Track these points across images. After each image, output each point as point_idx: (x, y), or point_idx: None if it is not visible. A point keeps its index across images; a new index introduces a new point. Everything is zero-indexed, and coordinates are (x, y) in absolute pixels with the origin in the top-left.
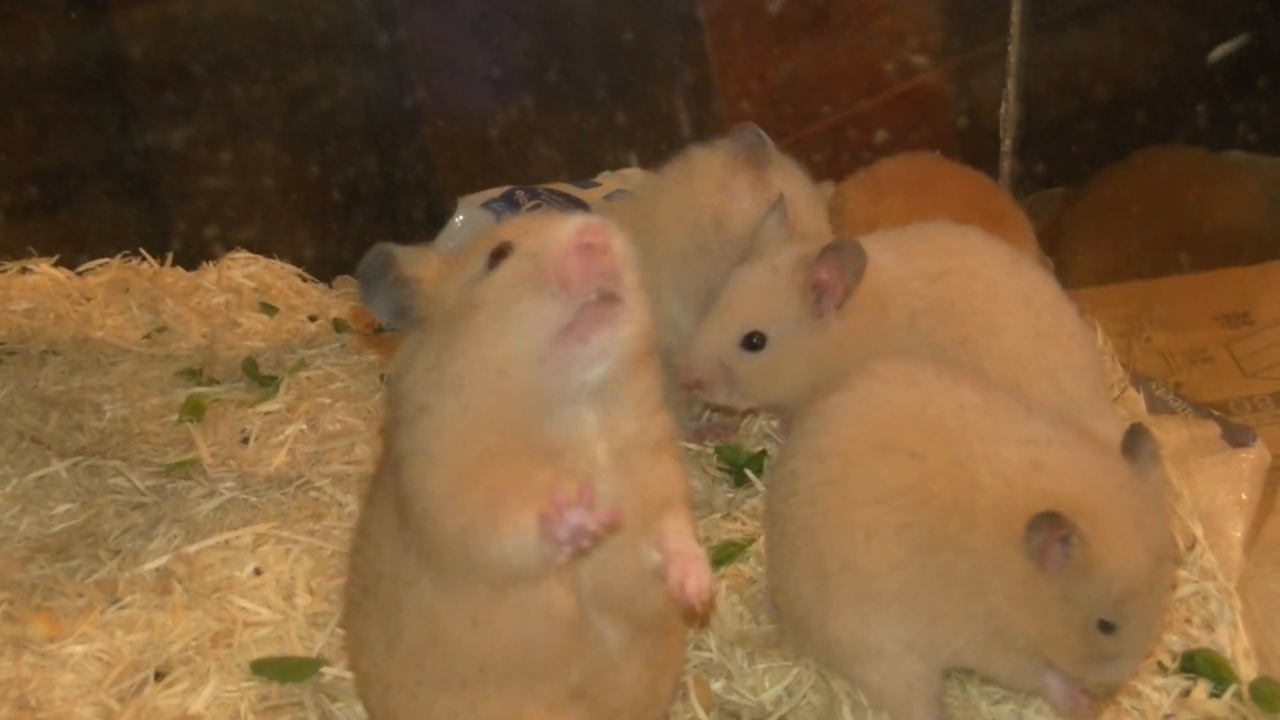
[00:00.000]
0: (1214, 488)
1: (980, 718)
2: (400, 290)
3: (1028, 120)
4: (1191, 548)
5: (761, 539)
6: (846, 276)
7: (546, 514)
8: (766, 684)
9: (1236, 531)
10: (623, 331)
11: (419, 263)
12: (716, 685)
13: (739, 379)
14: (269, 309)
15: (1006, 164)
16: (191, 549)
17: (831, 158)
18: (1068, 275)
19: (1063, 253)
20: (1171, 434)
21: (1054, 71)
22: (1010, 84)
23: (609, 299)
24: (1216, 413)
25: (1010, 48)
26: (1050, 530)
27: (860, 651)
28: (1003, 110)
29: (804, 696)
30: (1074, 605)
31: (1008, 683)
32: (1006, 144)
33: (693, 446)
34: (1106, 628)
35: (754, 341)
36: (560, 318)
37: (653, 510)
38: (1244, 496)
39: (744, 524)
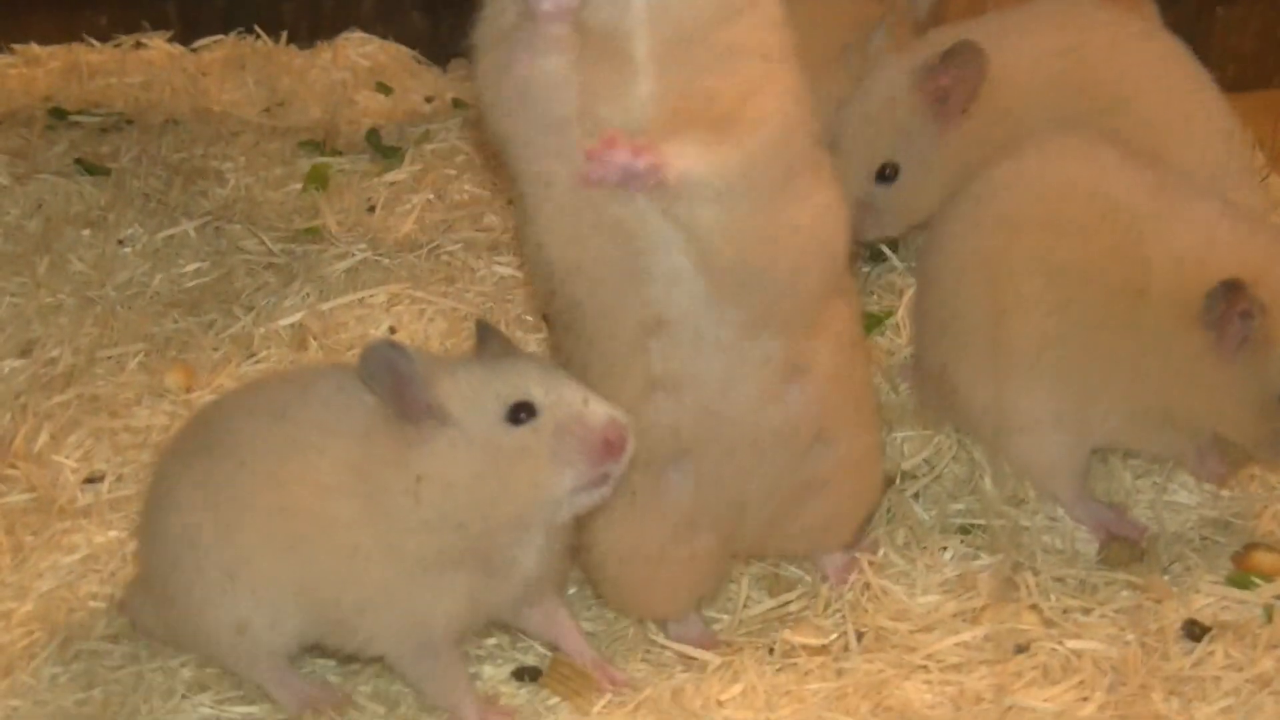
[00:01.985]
0: None
1: (1124, 489)
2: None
3: None
4: None
5: (899, 313)
6: (969, 78)
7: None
8: (906, 451)
9: None
10: None
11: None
12: None
13: (880, 212)
14: (385, 89)
15: None
16: (325, 306)
17: None
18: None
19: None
20: None
21: None
22: None
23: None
24: None
25: None
26: (1230, 301)
27: (1011, 421)
28: None
29: (945, 465)
30: (1254, 380)
31: (1154, 455)
32: None
33: None
34: None
35: (886, 173)
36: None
37: None
38: None
39: (880, 298)
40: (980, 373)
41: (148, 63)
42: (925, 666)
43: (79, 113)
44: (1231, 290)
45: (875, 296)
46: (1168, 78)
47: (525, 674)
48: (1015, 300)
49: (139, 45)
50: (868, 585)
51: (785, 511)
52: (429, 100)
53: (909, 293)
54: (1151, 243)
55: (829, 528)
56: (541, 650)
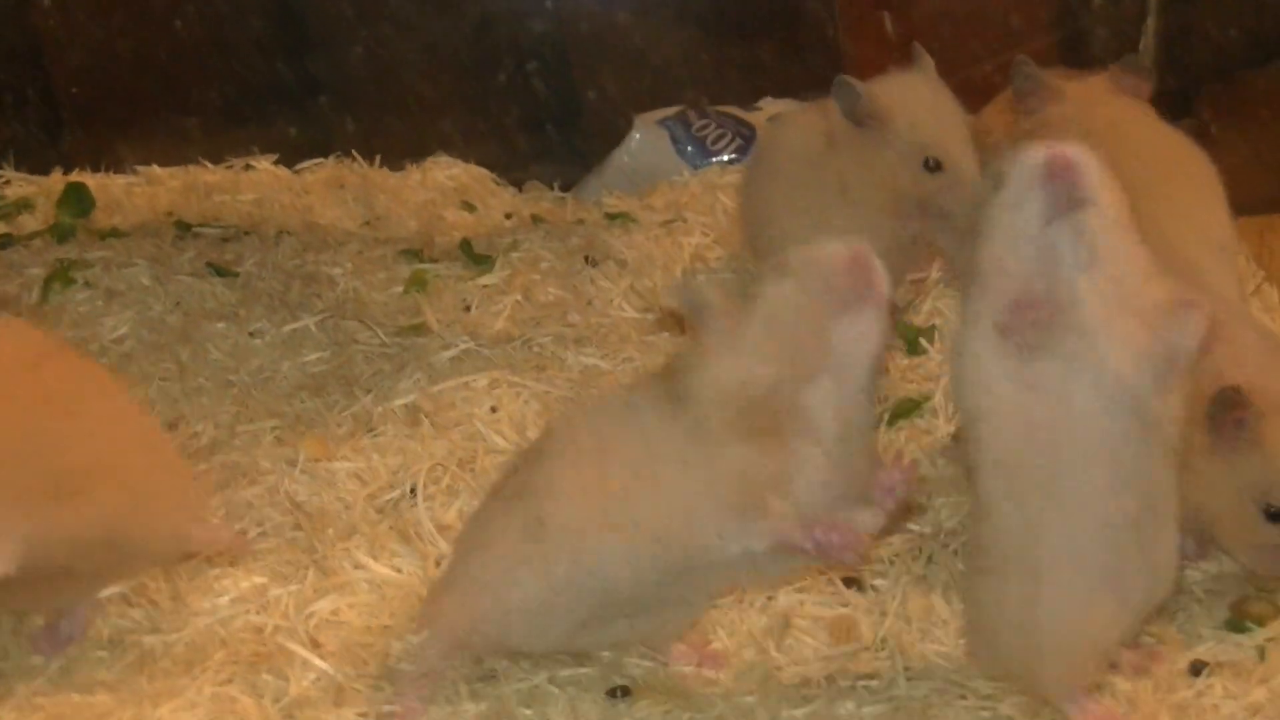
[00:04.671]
0: None
1: None
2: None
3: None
4: None
5: (935, 397)
6: None
7: None
8: (944, 516)
9: None
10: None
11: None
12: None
13: None
14: (469, 206)
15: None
16: (435, 389)
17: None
18: None
19: None
20: None
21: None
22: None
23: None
24: None
25: None
26: (1230, 407)
27: None
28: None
29: None
30: (1240, 484)
31: None
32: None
33: None
34: (1274, 517)
35: None
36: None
37: None
38: None
39: (919, 385)
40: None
41: (257, 183)
42: (964, 695)
43: (201, 225)
44: (1232, 397)
45: (914, 384)
46: None
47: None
48: None
49: (248, 167)
50: (910, 622)
51: None
52: (508, 216)
53: (944, 379)
54: None
55: None
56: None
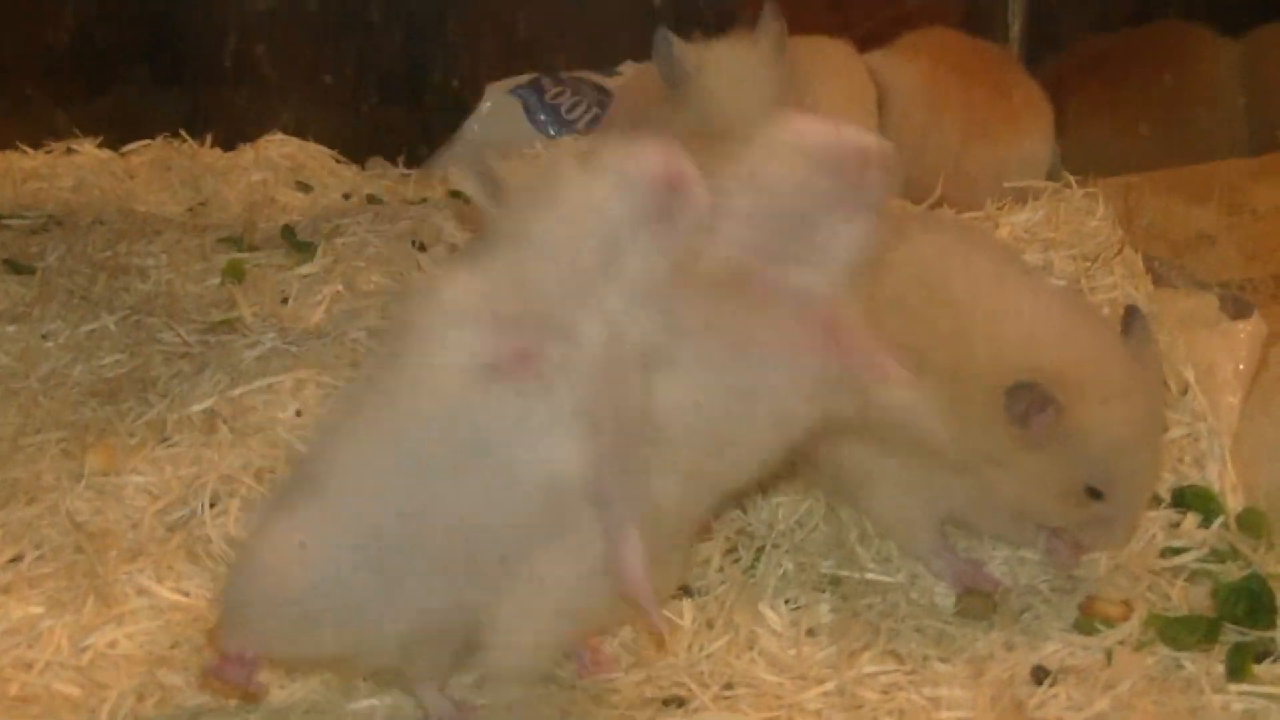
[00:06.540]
0: (1211, 358)
1: (981, 546)
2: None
3: None
4: (1184, 393)
5: None
6: None
7: None
8: (780, 515)
9: (1233, 398)
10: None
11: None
12: (733, 514)
13: None
14: (304, 187)
15: (1016, 26)
16: (236, 392)
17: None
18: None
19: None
20: (1169, 305)
21: None
22: None
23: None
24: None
25: None
26: (1028, 398)
27: (866, 484)
28: None
29: (815, 526)
30: (1059, 471)
31: (1003, 537)
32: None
33: None
34: (1095, 494)
35: None
36: None
37: None
38: (1240, 366)
39: None
40: (840, 440)
41: (78, 167)
42: (791, 717)
43: (10, 216)
44: (1026, 390)
45: None
46: None
47: None
48: None
49: (70, 151)
50: (738, 632)
51: None
52: (346, 197)
53: None
54: (978, 337)
55: None
56: None
